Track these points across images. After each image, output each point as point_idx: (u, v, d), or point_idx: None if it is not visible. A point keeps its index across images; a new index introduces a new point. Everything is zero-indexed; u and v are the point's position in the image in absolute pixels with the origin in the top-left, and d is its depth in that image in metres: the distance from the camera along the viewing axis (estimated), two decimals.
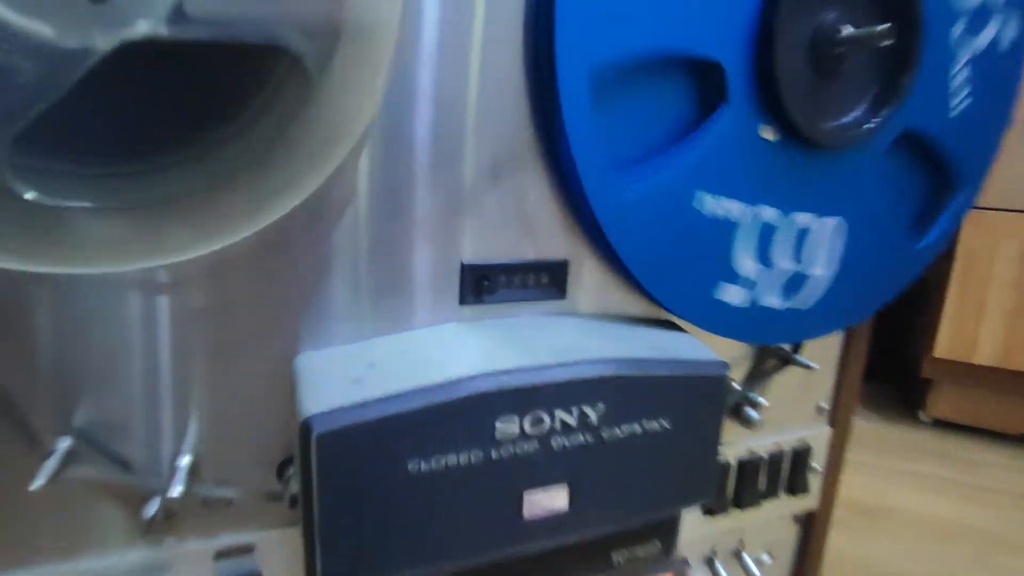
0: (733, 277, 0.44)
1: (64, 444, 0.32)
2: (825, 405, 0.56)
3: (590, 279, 0.42)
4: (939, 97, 0.47)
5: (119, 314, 0.32)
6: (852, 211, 0.47)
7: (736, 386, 0.50)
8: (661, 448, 0.39)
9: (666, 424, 0.38)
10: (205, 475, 0.36)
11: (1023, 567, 0.85)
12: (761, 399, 0.50)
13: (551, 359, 0.35)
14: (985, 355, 1.15)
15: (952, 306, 1.14)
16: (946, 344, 1.15)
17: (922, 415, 1.27)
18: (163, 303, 0.33)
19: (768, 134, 0.41)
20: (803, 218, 0.45)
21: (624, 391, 0.37)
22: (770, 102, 0.41)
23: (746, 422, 0.50)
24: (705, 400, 0.40)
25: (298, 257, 0.34)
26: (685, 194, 0.40)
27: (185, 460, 0.35)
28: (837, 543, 0.72)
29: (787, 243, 0.45)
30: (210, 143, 0.30)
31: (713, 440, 0.41)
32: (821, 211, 0.46)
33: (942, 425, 1.26)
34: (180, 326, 0.33)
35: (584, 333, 0.40)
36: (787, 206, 0.44)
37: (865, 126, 0.44)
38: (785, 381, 0.53)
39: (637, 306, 0.44)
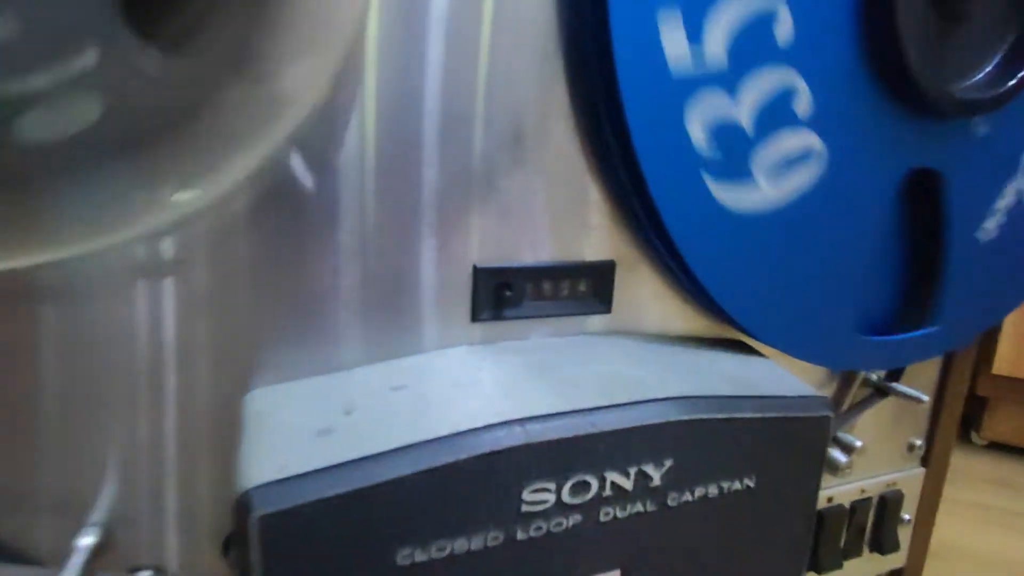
0: None
1: None
2: (919, 442, 0.49)
3: (644, 287, 0.35)
4: None
5: None
6: None
7: None
8: (743, 515, 0.31)
9: (750, 483, 0.31)
10: (120, 557, 0.29)
11: None
12: (856, 441, 0.41)
13: (598, 399, 0.29)
14: None
15: (1014, 316, 1.08)
16: (1007, 359, 1.08)
17: (975, 437, 1.21)
18: (67, 313, 0.27)
19: (980, 127, 0.39)
20: None
21: (698, 441, 0.29)
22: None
23: (832, 467, 0.42)
24: (802, 449, 0.32)
25: (253, 252, 0.29)
26: (973, 255, 0.41)
27: (87, 540, 0.28)
28: None
29: None
30: None
31: (810, 501, 0.33)
32: None
33: (998, 448, 1.20)
34: (87, 344, 0.27)
35: (637, 361, 0.33)
36: None
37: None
38: (872, 415, 0.46)
39: (700, 321, 0.37)
